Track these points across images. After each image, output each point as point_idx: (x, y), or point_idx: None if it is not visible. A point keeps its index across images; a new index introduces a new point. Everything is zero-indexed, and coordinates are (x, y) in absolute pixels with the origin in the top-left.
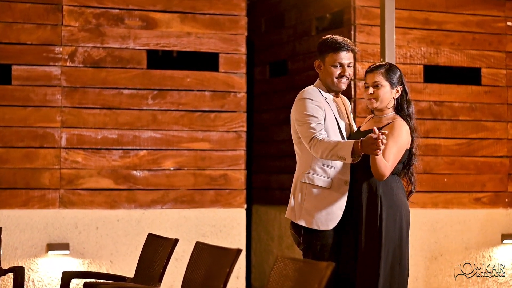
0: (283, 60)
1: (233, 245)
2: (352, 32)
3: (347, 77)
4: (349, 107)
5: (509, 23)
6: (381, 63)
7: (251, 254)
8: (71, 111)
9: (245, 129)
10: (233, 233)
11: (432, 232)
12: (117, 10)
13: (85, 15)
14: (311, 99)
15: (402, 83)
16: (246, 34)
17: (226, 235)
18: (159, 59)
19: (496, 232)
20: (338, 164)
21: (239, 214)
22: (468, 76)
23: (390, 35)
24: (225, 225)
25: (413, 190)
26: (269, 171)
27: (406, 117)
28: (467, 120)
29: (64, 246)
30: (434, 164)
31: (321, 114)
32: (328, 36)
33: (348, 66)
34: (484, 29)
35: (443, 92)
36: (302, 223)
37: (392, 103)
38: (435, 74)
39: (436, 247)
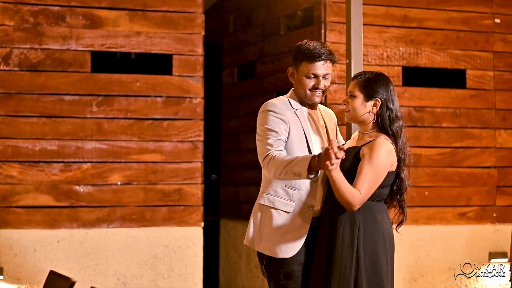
0: (251, 62)
1: (188, 268)
2: (323, 31)
3: (321, 89)
4: (333, 121)
5: (497, 20)
6: (367, 71)
7: (219, 273)
8: (5, 119)
9: (202, 138)
10: (188, 254)
11: (412, 251)
12: (57, 8)
13: (21, 13)
14: (274, 111)
15: (383, 96)
16: (203, 33)
17: (181, 257)
18: (105, 62)
19: (483, 250)
20: (303, 186)
21: (196, 233)
22: (451, 78)
23: (357, 33)
24: (179, 246)
25: (404, 220)
26: (237, 182)
27: (390, 136)
28: (451, 127)
29: None
30: (415, 176)
31: (283, 128)
32: (305, 42)
33: (324, 77)
34: (470, 26)
35: (424, 97)
36: (260, 250)
37: (368, 117)
38: (415, 76)
39: (417, 267)
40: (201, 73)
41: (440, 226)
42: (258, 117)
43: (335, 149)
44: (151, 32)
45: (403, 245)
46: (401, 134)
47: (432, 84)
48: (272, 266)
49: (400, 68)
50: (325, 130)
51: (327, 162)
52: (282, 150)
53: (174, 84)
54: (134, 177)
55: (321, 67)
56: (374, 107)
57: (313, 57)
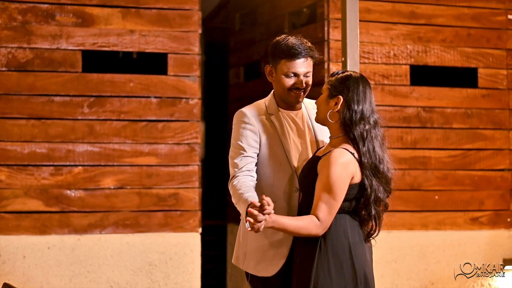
0: (256, 62)
1: (186, 275)
2: (326, 28)
3: (302, 88)
4: None
5: (510, 17)
6: (344, 71)
7: (226, 279)
8: None
9: (199, 141)
10: (185, 261)
11: (422, 257)
12: (47, 5)
13: (9, 11)
14: (244, 122)
15: (347, 95)
16: (200, 31)
17: (178, 264)
18: (97, 61)
19: (497, 257)
20: (283, 198)
21: (193, 240)
22: (462, 77)
23: (353, 30)
24: (176, 252)
25: (373, 231)
26: None
27: (352, 141)
28: (462, 128)
29: None
30: (423, 179)
31: (253, 140)
32: (283, 38)
33: (305, 76)
34: (481, 23)
35: (433, 96)
36: (244, 268)
37: (331, 116)
38: (423, 75)
39: (426, 275)
40: (198, 73)
41: (451, 231)
42: (233, 125)
43: (255, 212)
44: (145, 30)
45: (411, 252)
46: (366, 138)
47: (442, 83)
48: (257, 283)
49: (408, 66)
50: (312, 131)
51: (249, 229)
52: (249, 170)
53: (170, 84)
54: (128, 181)
55: (302, 65)
56: (336, 106)
57: (293, 54)
